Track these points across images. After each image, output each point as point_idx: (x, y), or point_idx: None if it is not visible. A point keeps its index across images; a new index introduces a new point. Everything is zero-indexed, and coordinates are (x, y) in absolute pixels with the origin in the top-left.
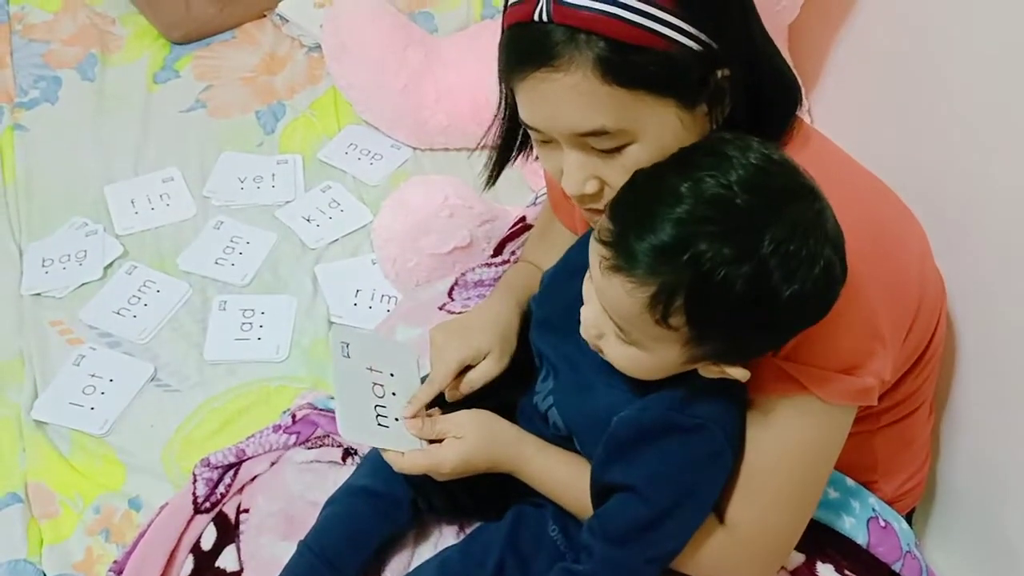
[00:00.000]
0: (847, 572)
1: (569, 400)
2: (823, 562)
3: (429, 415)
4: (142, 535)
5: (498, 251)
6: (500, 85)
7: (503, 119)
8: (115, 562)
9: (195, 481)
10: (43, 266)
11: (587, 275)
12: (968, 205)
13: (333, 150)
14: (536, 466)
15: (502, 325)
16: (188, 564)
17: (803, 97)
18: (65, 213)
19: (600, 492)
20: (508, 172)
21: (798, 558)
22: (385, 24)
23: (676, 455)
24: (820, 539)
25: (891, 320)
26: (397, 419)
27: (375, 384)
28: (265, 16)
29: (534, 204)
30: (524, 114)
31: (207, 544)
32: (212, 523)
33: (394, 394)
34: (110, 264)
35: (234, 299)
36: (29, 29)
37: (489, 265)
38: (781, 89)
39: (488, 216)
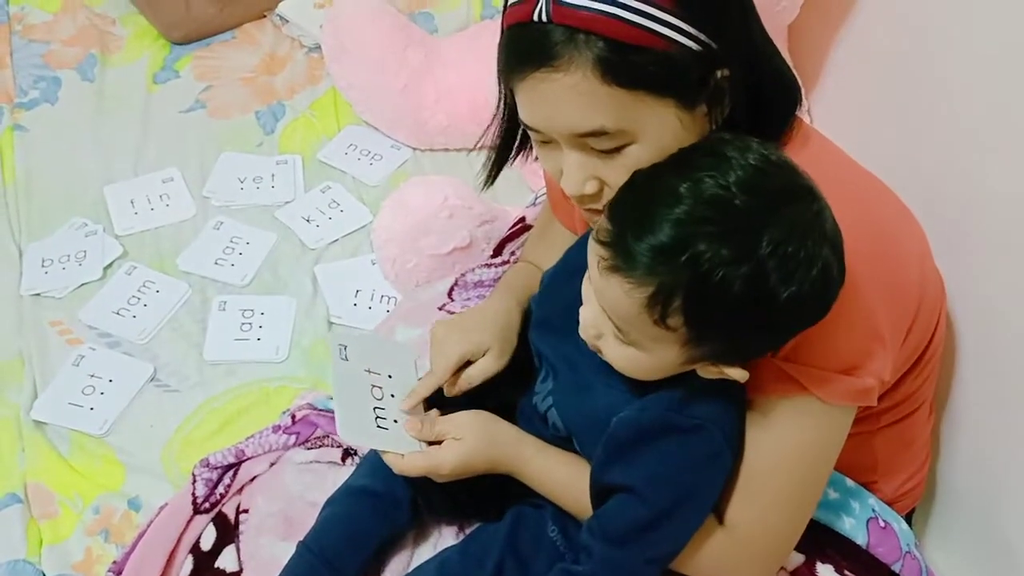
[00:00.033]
0: (847, 572)
1: (568, 400)
2: (823, 562)
3: (428, 417)
4: (141, 535)
5: (498, 251)
6: (499, 85)
7: (502, 119)
8: (114, 562)
9: (194, 481)
10: (43, 266)
11: (586, 275)
12: (968, 205)
13: (333, 150)
14: (536, 467)
15: (503, 323)
16: (187, 564)
17: (803, 97)
18: (65, 213)
19: (599, 493)
20: (507, 172)
21: (798, 558)
22: (385, 24)
23: (675, 456)
24: (820, 539)
25: (891, 320)
26: (396, 421)
27: (373, 386)
28: (265, 16)
29: (534, 204)
30: (523, 114)
31: (206, 544)
32: (211, 523)
33: (393, 396)
34: (110, 264)
35: (234, 299)
36: (29, 29)
37: (489, 266)
38: (781, 89)
39: (488, 216)
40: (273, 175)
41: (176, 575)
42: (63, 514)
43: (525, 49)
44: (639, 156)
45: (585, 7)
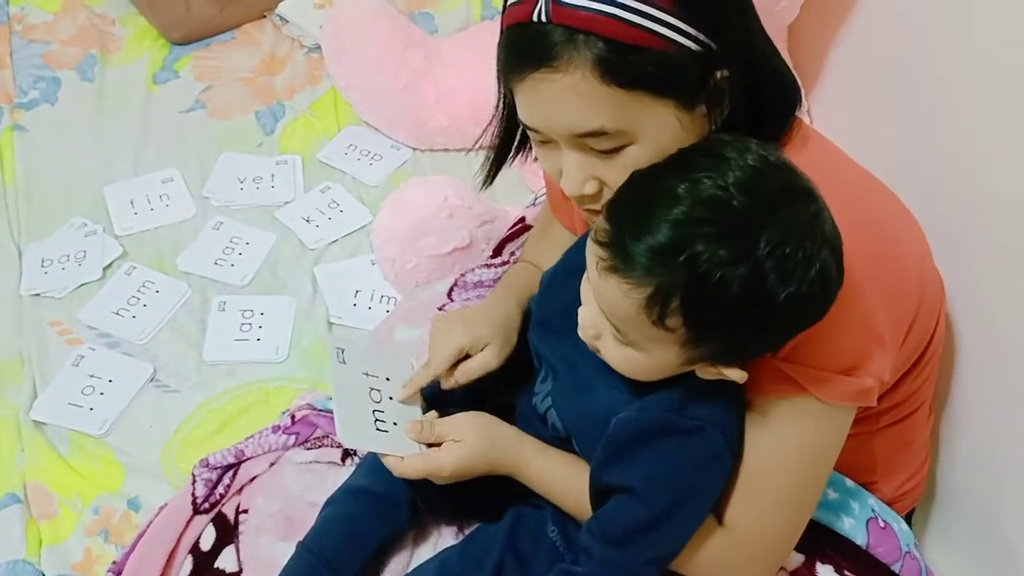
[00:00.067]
0: (846, 573)
1: (568, 401)
2: (822, 563)
3: (427, 419)
4: (141, 536)
5: (497, 252)
6: (499, 85)
7: (501, 119)
8: (114, 563)
9: (194, 482)
10: (42, 266)
11: (585, 276)
12: (967, 205)
13: (333, 151)
14: (535, 468)
15: (503, 320)
16: (187, 565)
17: (803, 98)
18: (64, 214)
19: (599, 494)
20: (507, 172)
21: (797, 559)
22: (385, 25)
23: (674, 457)
24: (819, 540)
25: (890, 321)
26: (396, 423)
27: (372, 389)
28: (265, 17)
29: (533, 205)
30: (523, 114)
31: (206, 545)
32: (211, 524)
33: (391, 398)
34: (109, 264)
35: (233, 300)
36: (29, 30)
37: (488, 266)
38: (780, 90)
39: (488, 217)
40: (273, 175)
41: (176, 575)
42: (63, 514)
43: (524, 49)
44: (638, 156)
45: (584, 7)
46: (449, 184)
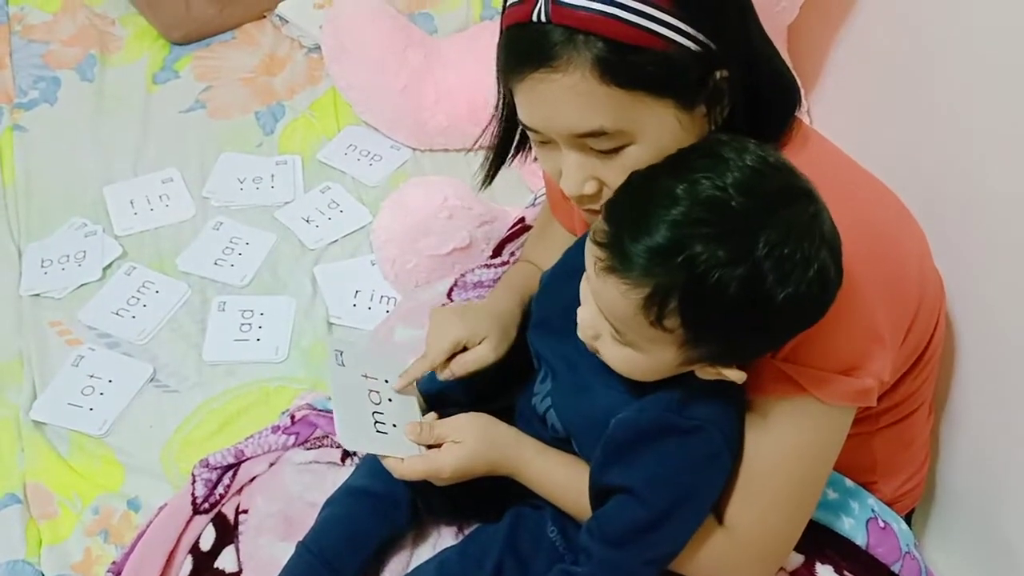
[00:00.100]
0: (846, 573)
1: (567, 401)
2: (822, 563)
3: (427, 420)
4: (141, 536)
5: (497, 252)
6: (498, 85)
7: (501, 119)
8: (114, 563)
9: (194, 482)
10: (42, 267)
11: (584, 276)
12: (967, 205)
13: (332, 151)
14: (535, 469)
15: (502, 316)
16: (187, 565)
17: (802, 98)
18: (64, 214)
19: (598, 494)
20: (507, 173)
21: (797, 559)
22: (385, 25)
23: (674, 457)
24: (819, 540)
25: (890, 321)
26: (395, 425)
27: (371, 391)
28: (265, 17)
29: (533, 205)
30: (522, 114)
31: (206, 545)
32: (211, 524)
33: (390, 400)
34: (109, 265)
35: (233, 300)
36: (28, 30)
37: (488, 266)
38: (780, 90)
39: (487, 217)
40: (273, 175)
41: (175, 575)
42: (62, 514)
43: (524, 49)
44: (638, 156)
45: (584, 7)
46: (449, 184)
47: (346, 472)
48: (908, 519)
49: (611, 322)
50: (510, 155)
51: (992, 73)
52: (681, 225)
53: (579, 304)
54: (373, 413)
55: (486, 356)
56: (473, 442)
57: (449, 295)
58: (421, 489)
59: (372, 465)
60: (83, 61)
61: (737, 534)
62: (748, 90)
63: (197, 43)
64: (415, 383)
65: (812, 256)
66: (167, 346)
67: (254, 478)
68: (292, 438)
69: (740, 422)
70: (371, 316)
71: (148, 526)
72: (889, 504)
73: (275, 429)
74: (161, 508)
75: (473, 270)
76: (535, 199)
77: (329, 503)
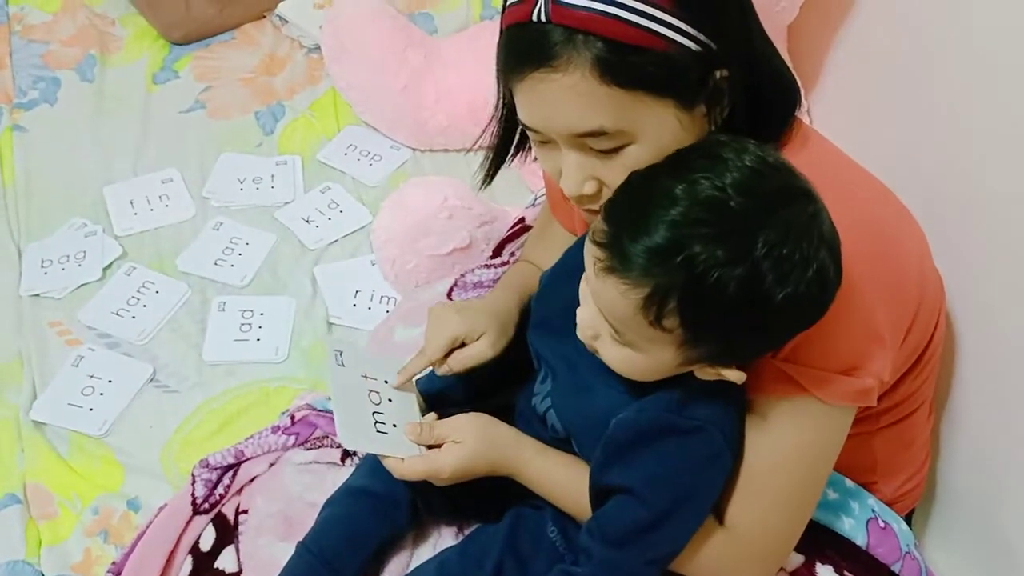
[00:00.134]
0: (846, 573)
1: (567, 402)
2: (822, 563)
3: (427, 421)
4: (141, 536)
5: (497, 252)
6: (498, 85)
7: (500, 119)
8: (114, 563)
9: (194, 482)
10: (42, 267)
11: (583, 276)
12: (967, 205)
13: (332, 151)
14: (535, 469)
15: (500, 313)
16: (187, 565)
17: (802, 98)
18: (64, 214)
19: (599, 494)
20: (507, 173)
21: (797, 559)
22: (385, 25)
23: (674, 457)
24: (819, 540)
25: (890, 321)
26: (395, 425)
27: (371, 391)
28: (265, 17)
29: (533, 205)
30: (522, 114)
31: (206, 545)
32: (211, 524)
33: (390, 400)
34: (109, 265)
35: (233, 300)
36: (28, 30)
37: (488, 266)
38: (780, 90)
39: (487, 217)
40: (273, 176)
41: (175, 575)
42: (62, 515)
43: (524, 49)
44: (638, 156)
45: (584, 7)
46: (449, 184)
47: (346, 472)
48: (908, 519)
49: (610, 322)
50: (510, 155)
51: (992, 73)
52: (680, 225)
53: (579, 304)
54: (373, 413)
55: (484, 352)
56: (473, 442)
57: (449, 295)
58: (421, 489)
59: (372, 465)
60: (83, 61)
61: (737, 534)
62: (748, 90)
63: (197, 43)
64: (415, 383)
65: (811, 256)
66: (167, 346)
67: (254, 478)
68: (292, 438)
69: (740, 422)
70: (371, 316)
71: (148, 526)
72: (889, 504)
73: (275, 429)
74: (161, 508)
75: (473, 270)
76: (535, 199)
77: (329, 503)
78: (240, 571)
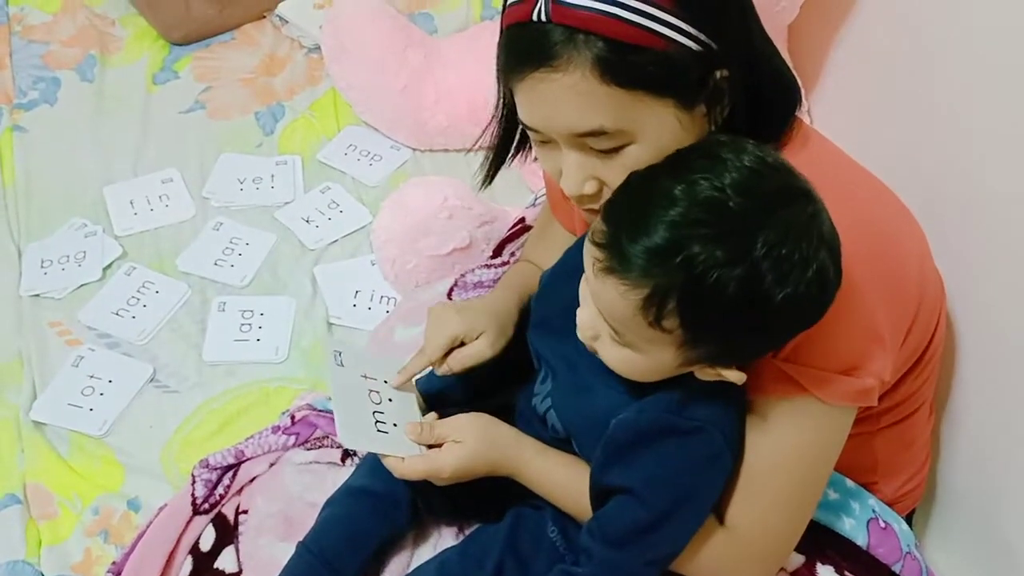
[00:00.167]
0: (847, 573)
1: (567, 402)
2: (823, 563)
3: (427, 420)
4: (141, 536)
5: (497, 252)
6: (498, 85)
7: (500, 119)
8: (114, 563)
9: (194, 482)
10: (42, 267)
11: (583, 277)
12: (967, 205)
13: (332, 151)
14: (535, 469)
15: (501, 313)
16: (187, 565)
17: (803, 98)
18: (64, 214)
19: (599, 495)
20: (507, 173)
21: (798, 559)
22: (385, 25)
23: (674, 458)
24: (820, 540)
25: (890, 321)
26: (396, 425)
27: (371, 391)
28: (265, 17)
29: (533, 205)
30: (523, 114)
31: (206, 545)
32: (211, 524)
33: (390, 400)
34: (109, 265)
35: (233, 300)
36: (28, 30)
37: (488, 266)
38: (780, 90)
39: (487, 217)
40: (273, 176)
41: (175, 575)
42: (62, 515)
43: (524, 49)
44: (638, 156)
45: (584, 7)
46: (449, 185)
47: (346, 472)
48: (909, 519)
49: (610, 323)
50: (510, 155)
51: (992, 73)
52: (679, 226)
53: (579, 304)
54: (373, 413)
55: (483, 352)
56: (473, 442)
57: (449, 295)
58: (421, 489)
59: (372, 465)
60: (83, 62)
61: (738, 534)
62: (749, 90)
63: (197, 43)
64: (414, 382)
65: (811, 256)
66: (167, 346)
67: (254, 478)
68: (292, 438)
69: (740, 422)
70: (371, 316)
71: (148, 526)
72: (890, 504)
73: (275, 429)
74: (161, 508)
75: (473, 270)
76: (535, 199)
77: (329, 503)
78: (240, 571)
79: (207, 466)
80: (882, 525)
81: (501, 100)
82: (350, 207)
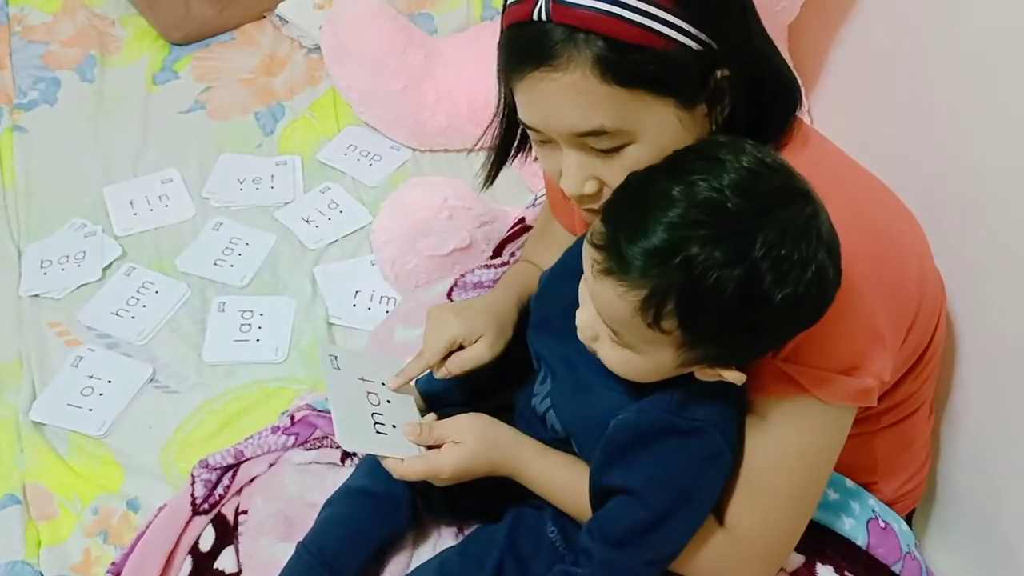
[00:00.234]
0: (847, 573)
1: (567, 402)
2: (823, 563)
3: (427, 421)
4: (140, 536)
5: (497, 252)
6: (499, 85)
7: (501, 119)
8: (113, 563)
9: (193, 482)
10: (42, 267)
11: (582, 278)
12: (967, 205)
13: (332, 151)
14: (535, 469)
15: (500, 314)
16: (186, 565)
17: (803, 97)
18: (64, 214)
19: (599, 495)
20: (507, 173)
21: (798, 559)
22: (385, 25)
23: (674, 458)
24: (820, 540)
25: (890, 321)
26: (395, 426)
27: (369, 393)
28: (265, 17)
29: (533, 205)
30: (523, 114)
31: (205, 545)
32: (210, 524)
33: (389, 401)
34: (109, 265)
35: (233, 300)
36: (28, 30)
37: (488, 266)
38: (780, 89)
39: (487, 217)
40: (272, 176)
41: None
42: (62, 515)
43: (524, 48)
44: (638, 156)
45: (585, 6)
46: (449, 185)
47: (346, 472)
48: (909, 519)
49: (609, 324)
50: (511, 155)
51: (992, 73)
52: (678, 227)
53: (578, 305)
54: (372, 414)
55: (482, 354)
56: (473, 442)
57: (449, 295)
58: (421, 489)
59: (372, 465)
60: (83, 62)
61: (737, 534)
62: (749, 89)
63: (197, 44)
64: (414, 383)
65: (810, 257)
66: (167, 346)
67: (254, 479)
68: (292, 439)
69: (741, 422)
70: (371, 316)
71: (148, 527)
72: (890, 504)
73: (275, 430)
74: (160, 509)
75: (473, 270)
76: (535, 199)
77: (329, 503)
78: (240, 571)
79: (207, 466)
80: (882, 525)
81: (502, 100)
82: (350, 207)
